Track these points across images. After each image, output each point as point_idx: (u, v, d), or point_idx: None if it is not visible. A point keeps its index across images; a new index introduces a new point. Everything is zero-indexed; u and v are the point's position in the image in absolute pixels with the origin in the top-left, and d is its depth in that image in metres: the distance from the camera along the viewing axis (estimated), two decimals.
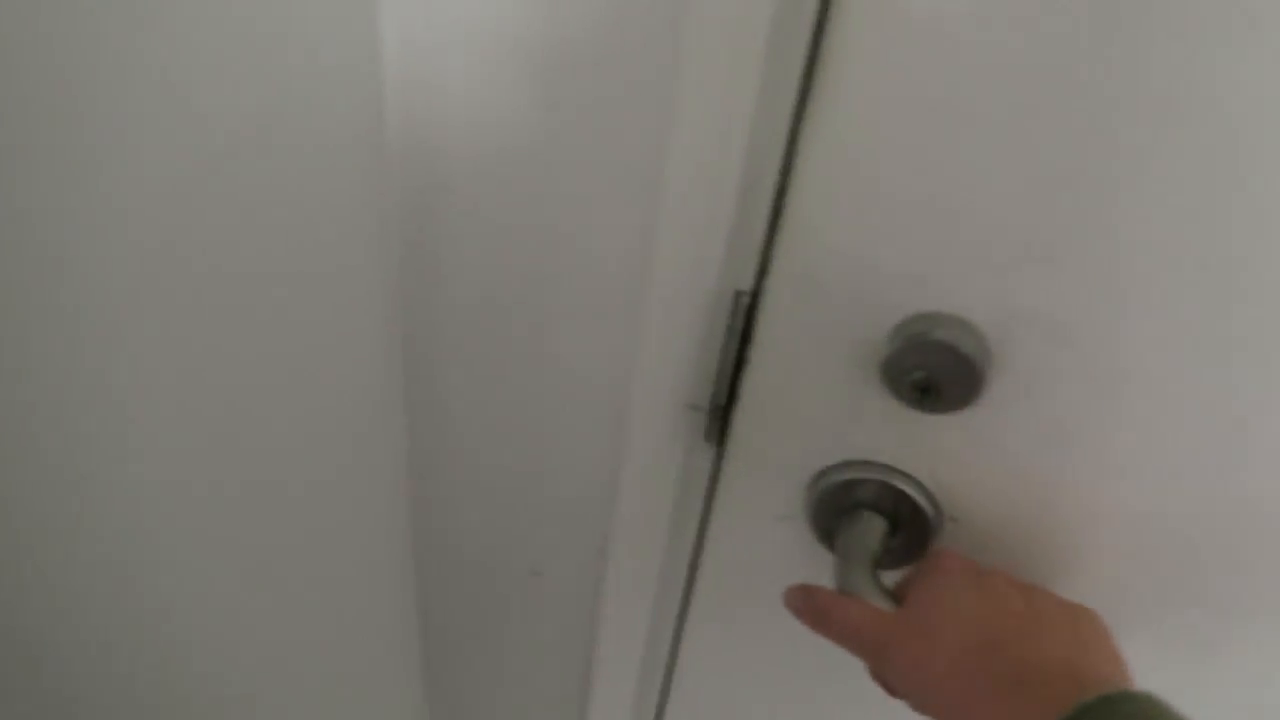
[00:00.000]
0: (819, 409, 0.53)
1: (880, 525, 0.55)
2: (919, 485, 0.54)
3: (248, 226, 0.39)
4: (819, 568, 0.58)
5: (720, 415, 0.56)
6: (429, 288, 0.50)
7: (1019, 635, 0.45)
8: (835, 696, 0.66)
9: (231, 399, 0.41)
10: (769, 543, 0.60)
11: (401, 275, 0.50)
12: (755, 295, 0.51)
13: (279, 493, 0.45)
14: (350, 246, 0.46)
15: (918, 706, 0.47)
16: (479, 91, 0.44)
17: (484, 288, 0.50)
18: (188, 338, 0.38)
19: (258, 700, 0.48)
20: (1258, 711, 0.57)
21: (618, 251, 0.49)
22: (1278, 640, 0.53)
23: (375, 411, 0.49)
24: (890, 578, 0.53)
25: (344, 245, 0.45)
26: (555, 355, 0.51)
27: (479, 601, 0.51)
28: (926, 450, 0.52)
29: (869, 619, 0.49)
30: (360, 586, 0.49)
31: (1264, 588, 0.51)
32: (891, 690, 0.49)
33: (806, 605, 0.52)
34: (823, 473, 0.56)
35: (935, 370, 0.48)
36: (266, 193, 0.39)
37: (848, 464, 0.55)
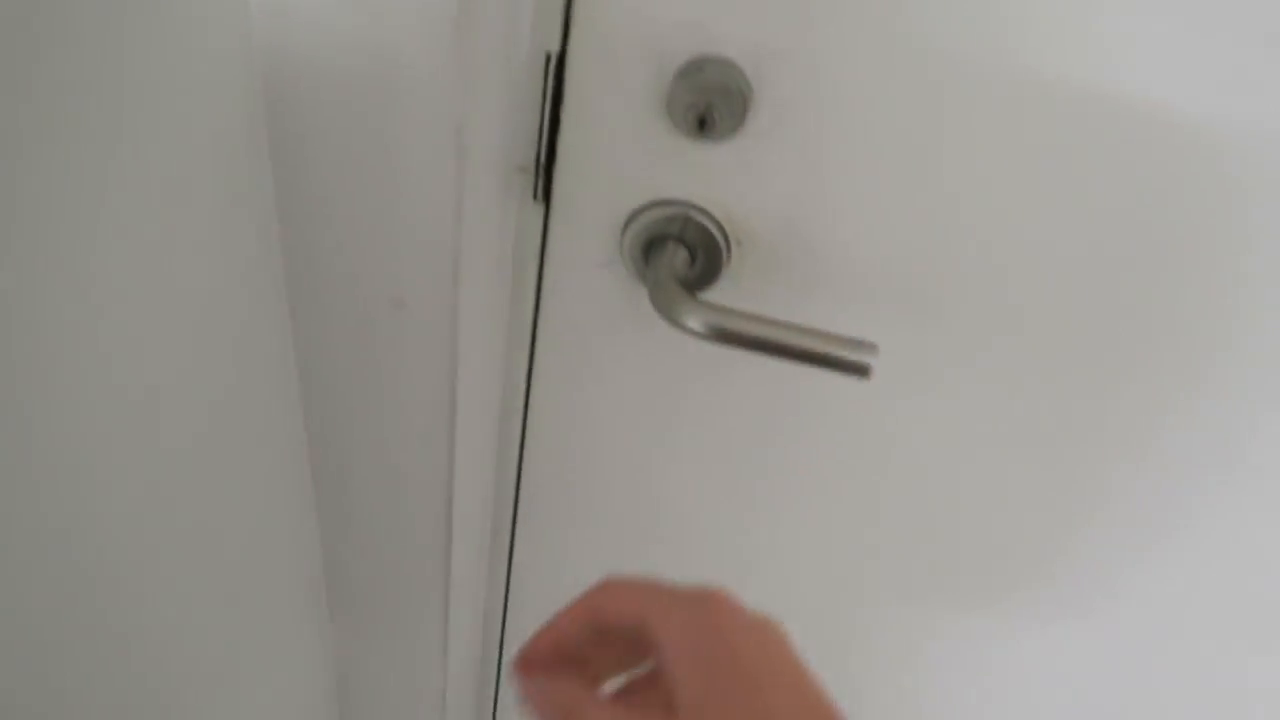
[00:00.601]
0: (623, 157, 0.64)
1: (683, 253, 0.67)
2: (709, 215, 0.66)
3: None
4: (642, 306, 0.70)
5: (544, 174, 0.66)
6: (289, 79, 0.57)
7: None
8: (677, 418, 0.80)
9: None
10: (597, 289, 0.72)
11: (264, 67, 0.57)
12: (562, 56, 0.60)
13: (158, 259, 0.52)
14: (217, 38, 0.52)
15: None
16: None
17: (330, 61, 0.57)
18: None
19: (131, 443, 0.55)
20: (995, 416, 0.73)
21: (432, 27, 0.57)
22: (1010, 347, 0.69)
23: (247, 170, 0.57)
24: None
25: (212, 34, 0.52)
26: (392, 127, 0.60)
27: (349, 331, 0.61)
28: (711, 181, 0.64)
29: None
30: (235, 322, 0.57)
31: (975, 297, 0.67)
32: None
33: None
34: (632, 216, 0.67)
35: (709, 105, 0.59)
36: None
37: (651, 205, 0.66)
